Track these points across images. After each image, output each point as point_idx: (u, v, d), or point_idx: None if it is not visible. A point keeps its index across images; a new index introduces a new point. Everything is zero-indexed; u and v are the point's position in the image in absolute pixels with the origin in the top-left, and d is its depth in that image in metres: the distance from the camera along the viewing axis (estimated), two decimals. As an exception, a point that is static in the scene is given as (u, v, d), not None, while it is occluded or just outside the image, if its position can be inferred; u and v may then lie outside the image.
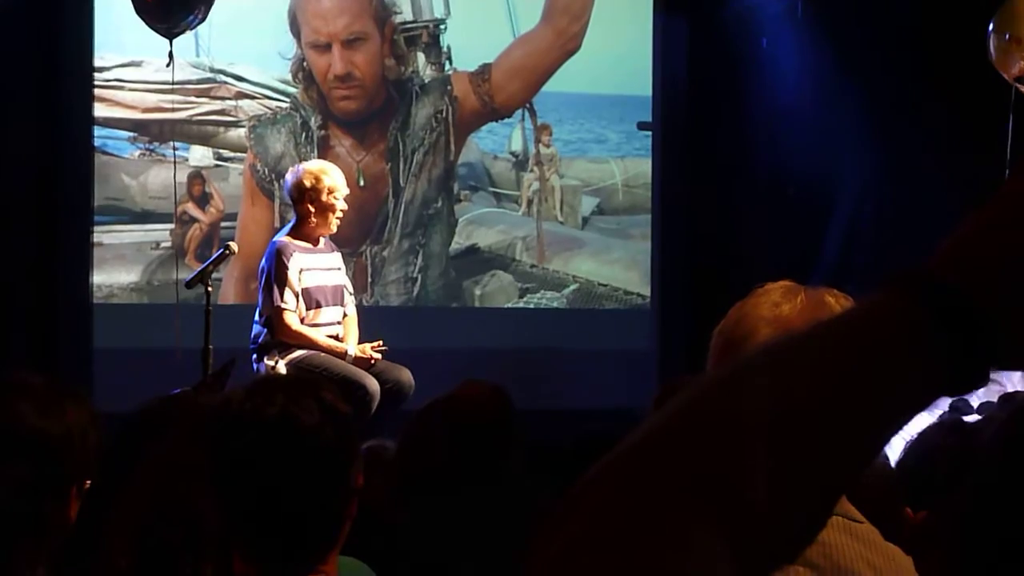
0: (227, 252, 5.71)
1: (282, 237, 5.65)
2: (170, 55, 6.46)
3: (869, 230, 7.73)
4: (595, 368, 8.05)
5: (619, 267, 8.76)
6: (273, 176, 8.09)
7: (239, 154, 8.15)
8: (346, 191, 5.73)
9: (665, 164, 8.63)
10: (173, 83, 7.15)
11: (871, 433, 0.76)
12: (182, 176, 8.00)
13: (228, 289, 7.82)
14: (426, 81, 8.43)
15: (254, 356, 5.58)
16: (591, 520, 0.70)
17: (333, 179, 5.64)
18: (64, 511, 1.95)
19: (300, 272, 5.54)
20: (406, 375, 5.61)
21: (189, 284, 5.73)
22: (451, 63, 8.47)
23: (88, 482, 1.98)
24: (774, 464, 0.71)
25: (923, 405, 0.76)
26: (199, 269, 5.77)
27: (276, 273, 5.49)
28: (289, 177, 5.76)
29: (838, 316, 0.76)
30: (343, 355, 5.53)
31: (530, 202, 8.67)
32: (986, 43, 6.20)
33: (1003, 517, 0.70)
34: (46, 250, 7.51)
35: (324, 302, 5.63)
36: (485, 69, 8.52)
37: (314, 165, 5.83)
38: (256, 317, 5.65)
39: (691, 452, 0.72)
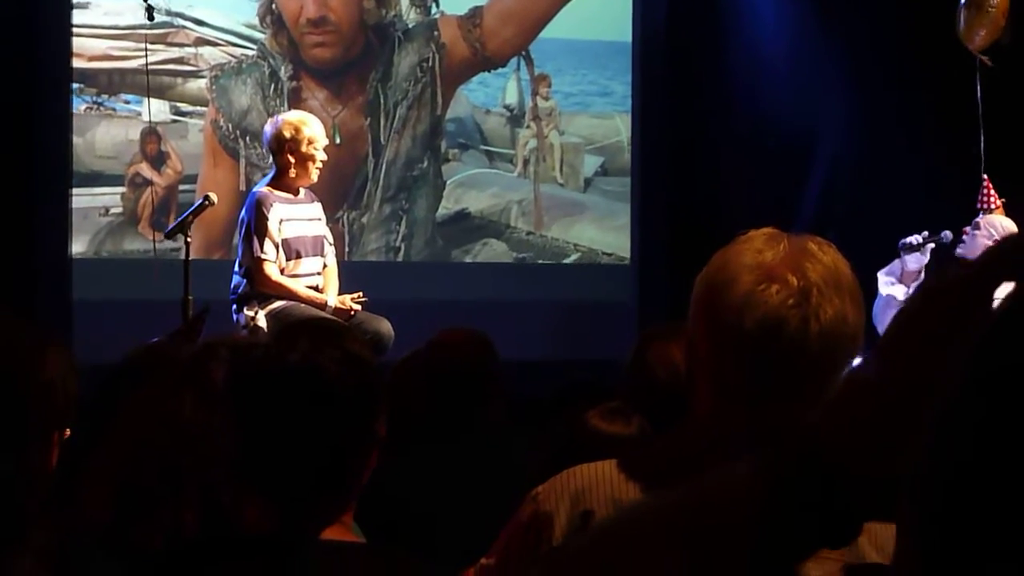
0: (207, 203, 6.24)
1: (262, 188, 6.17)
2: (149, 7, 6.82)
3: (848, 180, 8.13)
4: (577, 321, 8.33)
5: (625, 233, 8.96)
6: (238, 133, 8.28)
7: (199, 108, 8.32)
8: (325, 141, 6.24)
9: (644, 114, 8.86)
10: (149, 26, 7.36)
11: None
12: (134, 133, 8.19)
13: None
14: (410, 26, 8.62)
15: (234, 307, 6.13)
16: None
17: (313, 129, 6.17)
18: (47, 460, 2.20)
19: (280, 223, 6.07)
20: (385, 326, 6.15)
21: (168, 234, 6.35)
22: (438, 6, 8.67)
23: (67, 432, 2.23)
24: None
25: (797, 562, 0.84)
26: (179, 219, 6.27)
27: (256, 224, 6.04)
28: (268, 128, 6.25)
29: (711, 476, 0.85)
30: (323, 306, 6.06)
31: (526, 162, 8.87)
32: (957, 15, 6.63)
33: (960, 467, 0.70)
34: (24, 204, 7.75)
35: (304, 252, 6.19)
36: (476, 12, 8.72)
37: (293, 115, 6.33)
38: (236, 268, 6.18)
39: None
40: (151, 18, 7.08)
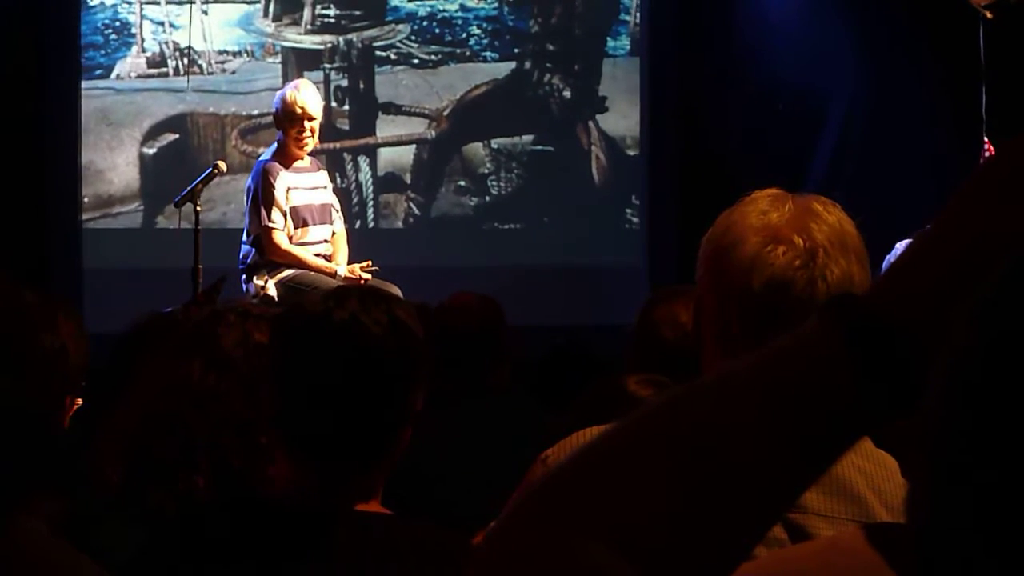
0: (216, 172, 6.29)
1: (267, 158, 6.20)
2: None
3: (857, 142, 8.15)
4: (585, 284, 8.36)
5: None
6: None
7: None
8: (319, 111, 6.19)
9: (653, 76, 8.86)
10: None
11: (782, 474, 0.81)
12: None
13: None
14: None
15: (243, 276, 6.17)
16: (501, 564, 0.83)
17: (306, 100, 6.15)
18: (60, 423, 2.23)
19: (287, 191, 6.11)
20: (395, 292, 5.99)
21: (178, 203, 6.31)
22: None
23: (78, 398, 2.25)
24: (675, 508, 0.79)
25: (846, 442, 0.82)
26: (188, 188, 6.26)
27: (263, 192, 6.08)
28: (274, 99, 6.32)
29: (760, 350, 0.83)
30: (332, 275, 6.09)
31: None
32: None
33: (974, 419, 0.69)
34: (34, 172, 7.78)
35: (312, 220, 6.22)
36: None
37: (290, 87, 6.33)
38: (244, 237, 6.22)
39: (597, 495, 0.81)
40: None
